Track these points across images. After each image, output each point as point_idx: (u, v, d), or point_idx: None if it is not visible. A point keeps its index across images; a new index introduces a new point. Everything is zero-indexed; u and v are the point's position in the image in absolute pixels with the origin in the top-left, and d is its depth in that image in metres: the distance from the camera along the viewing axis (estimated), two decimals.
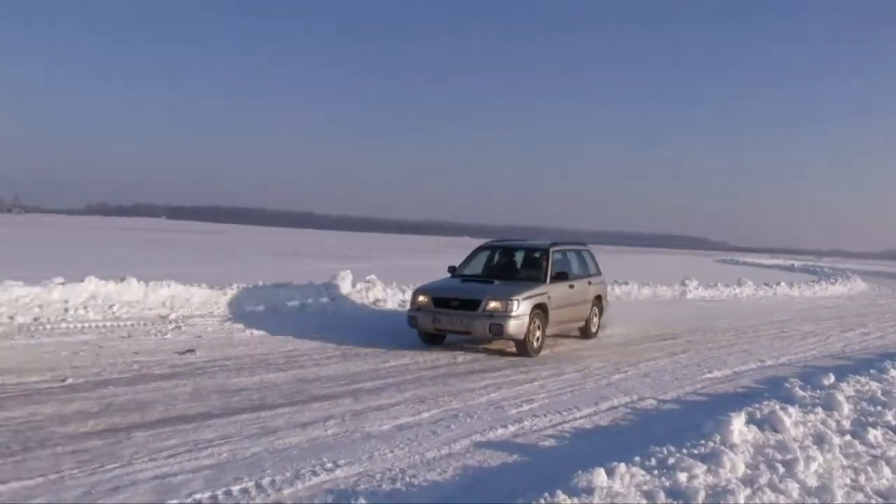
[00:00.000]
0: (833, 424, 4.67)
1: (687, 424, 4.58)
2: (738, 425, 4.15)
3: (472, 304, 7.34)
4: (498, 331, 7.31)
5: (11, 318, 7.56)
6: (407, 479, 3.68)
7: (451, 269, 8.42)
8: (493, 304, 7.34)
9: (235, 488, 3.47)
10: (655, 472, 3.51)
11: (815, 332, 10.90)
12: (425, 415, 4.94)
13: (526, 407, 5.28)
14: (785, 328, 11.17)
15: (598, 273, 9.32)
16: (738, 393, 6.04)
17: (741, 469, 3.56)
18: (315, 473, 3.70)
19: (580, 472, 3.36)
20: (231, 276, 11.87)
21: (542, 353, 7.74)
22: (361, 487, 3.52)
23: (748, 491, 3.30)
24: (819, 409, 4.94)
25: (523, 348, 7.46)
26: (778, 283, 20.27)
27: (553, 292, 7.92)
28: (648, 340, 9.01)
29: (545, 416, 5.04)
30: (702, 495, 3.18)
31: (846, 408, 4.99)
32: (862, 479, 3.72)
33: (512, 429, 4.68)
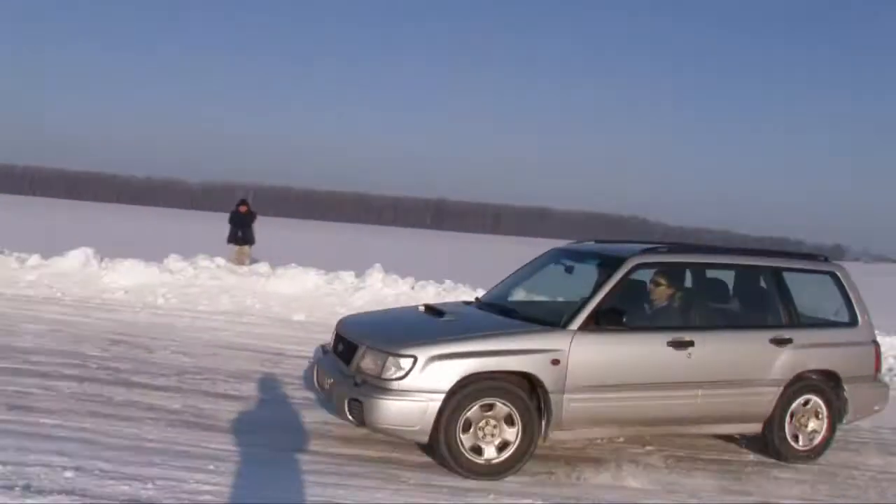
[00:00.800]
0: None
1: None
2: None
3: (350, 352, 3.83)
4: (357, 413, 3.58)
5: None
6: None
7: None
8: (366, 359, 3.67)
9: None
10: None
11: None
12: None
13: None
14: None
15: (825, 324, 4.60)
16: None
17: None
18: None
19: None
20: None
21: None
22: None
23: None
24: None
25: (444, 460, 3.59)
26: None
27: (579, 351, 3.73)
28: None
29: None
30: None
31: None
32: None
33: None
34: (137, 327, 6.51)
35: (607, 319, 3.65)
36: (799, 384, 4.20)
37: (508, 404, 3.45)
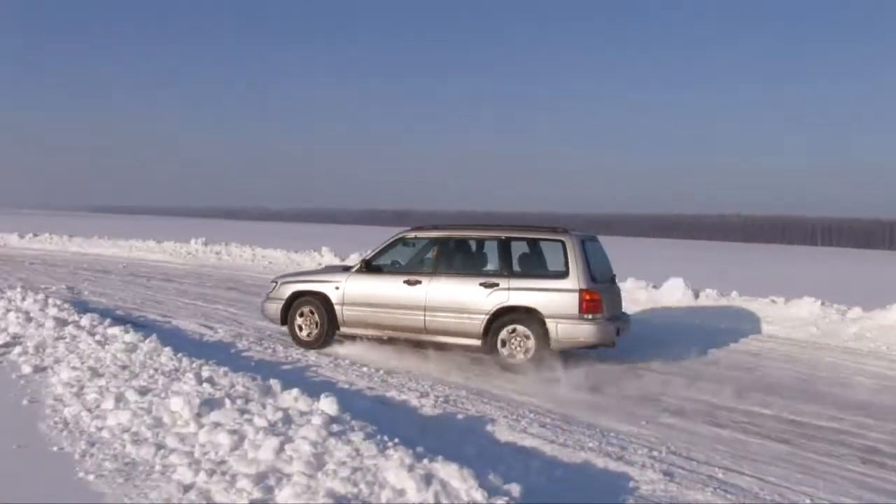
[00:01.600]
0: None
1: None
2: None
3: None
4: (262, 309, 8.37)
5: None
6: None
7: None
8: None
9: None
10: None
11: None
12: None
13: None
14: None
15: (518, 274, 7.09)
16: None
17: None
18: None
19: None
20: None
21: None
22: None
23: None
24: None
25: (291, 334, 8.00)
26: None
27: (349, 283, 7.72)
28: None
29: None
30: None
31: None
32: None
33: None
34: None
35: (369, 267, 7.56)
36: (505, 316, 6.97)
37: (314, 308, 7.53)
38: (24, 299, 9.56)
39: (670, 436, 5.22)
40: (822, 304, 10.21)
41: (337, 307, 7.72)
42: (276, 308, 8.09)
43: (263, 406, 4.81)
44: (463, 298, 7.23)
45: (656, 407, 6.00)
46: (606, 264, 7.78)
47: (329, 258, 17.44)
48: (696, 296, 11.66)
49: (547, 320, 6.93)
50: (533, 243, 7.56)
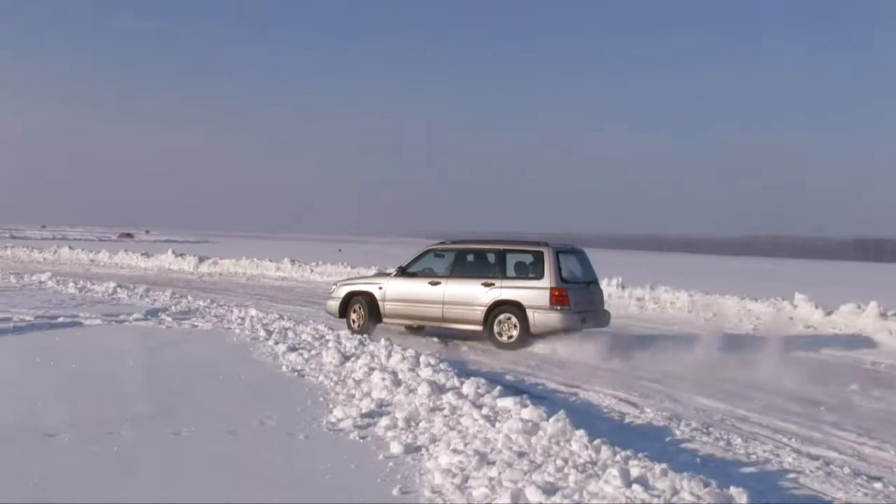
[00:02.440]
0: None
1: None
2: None
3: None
4: (325, 306, 17.17)
5: None
6: None
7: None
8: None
9: None
10: None
11: None
12: None
13: None
14: None
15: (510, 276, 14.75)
16: None
17: None
18: None
19: None
20: None
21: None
22: None
23: None
24: None
25: (347, 324, 16.11)
26: None
27: (390, 284, 15.78)
28: None
29: None
30: None
31: None
32: None
33: None
34: None
35: (404, 273, 15.72)
36: (499, 307, 14.26)
37: (361, 304, 16.02)
38: (390, 355, 10.77)
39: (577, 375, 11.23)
40: None
41: (380, 303, 15.76)
42: (335, 305, 16.44)
43: None
44: (469, 295, 14.64)
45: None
46: (584, 271, 15.22)
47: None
48: None
49: (527, 310, 14.07)
50: (521, 254, 14.86)
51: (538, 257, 14.57)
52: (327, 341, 12.73)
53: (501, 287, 14.55)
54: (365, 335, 13.72)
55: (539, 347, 13.90)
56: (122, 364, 10.39)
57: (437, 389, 8.58)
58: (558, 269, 14.51)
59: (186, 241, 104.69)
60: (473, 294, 14.69)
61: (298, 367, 10.61)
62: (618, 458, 6.11)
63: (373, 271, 27.52)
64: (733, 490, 5.46)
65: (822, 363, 13.50)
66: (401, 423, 7.47)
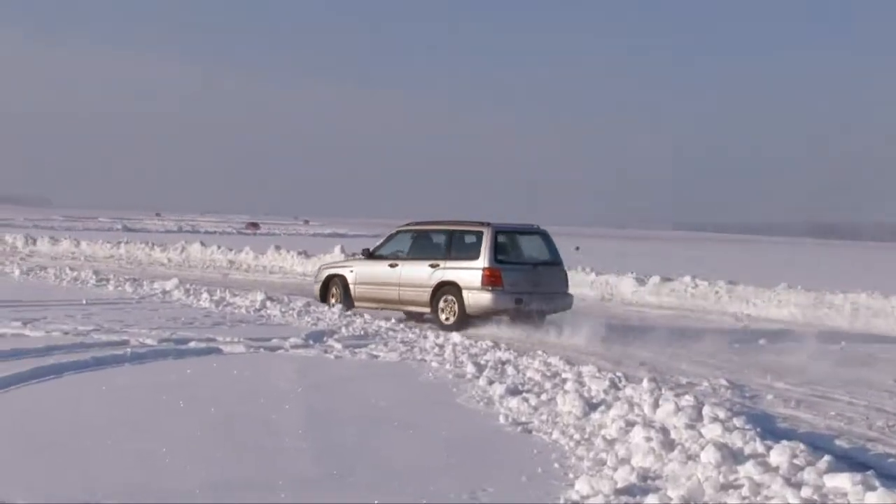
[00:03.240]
0: None
1: None
2: None
3: None
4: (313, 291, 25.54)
5: None
6: None
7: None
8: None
9: None
10: None
11: None
12: None
13: None
14: None
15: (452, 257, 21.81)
16: None
17: None
18: None
19: None
20: None
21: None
22: None
23: None
24: None
25: (324, 302, 23.88)
26: None
27: (358, 266, 23.72)
28: None
29: None
30: None
31: None
32: None
33: None
34: None
35: (371, 256, 24.12)
36: (442, 288, 21.68)
37: (337, 287, 24.47)
38: (657, 404, 10.68)
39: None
40: None
41: (351, 287, 23.23)
42: (317, 289, 24.21)
43: None
44: (418, 276, 21.67)
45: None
46: (539, 252, 22.08)
47: None
48: None
49: (463, 291, 20.72)
50: (465, 234, 21.61)
51: (478, 237, 21.26)
52: (564, 381, 12.80)
53: (444, 268, 21.52)
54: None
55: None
56: (277, 408, 10.79)
57: (731, 456, 8.37)
58: (494, 249, 21.04)
59: (359, 234, 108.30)
60: (421, 275, 21.88)
61: (523, 419, 10.67)
62: None
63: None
64: None
65: None
66: None
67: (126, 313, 19.90)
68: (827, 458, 8.44)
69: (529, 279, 20.80)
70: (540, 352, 16.17)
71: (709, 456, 8.35)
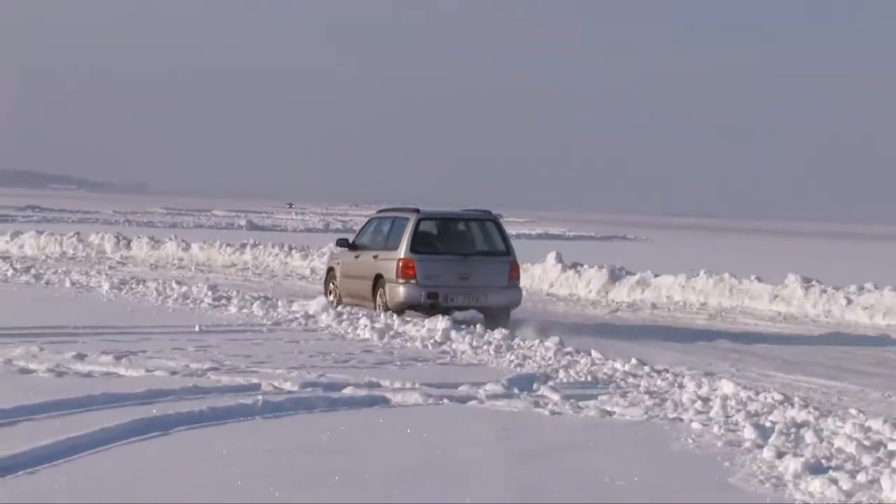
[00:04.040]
0: None
1: None
2: None
3: None
4: None
5: None
6: None
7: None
8: None
9: None
10: None
11: None
12: None
13: None
14: None
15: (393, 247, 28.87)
16: None
17: None
18: None
19: None
20: None
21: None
22: None
23: None
24: None
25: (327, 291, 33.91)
26: None
27: (342, 257, 32.70)
28: None
29: None
30: None
31: None
32: None
33: None
34: None
35: (350, 245, 33.74)
36: (378, 281, 30.63)
37: (334, 279, 34.94)
38: None
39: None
40: None
41: (337, 280, 32.48)
42: (324, 282, 36.03)
43: None
44: (365, 268, 30.74)
45: None
46: (476, 241, 29.82)
47: None
48: None
49: (385, 283, 29.42)
50: (398, 221, 30.53)
51: (405, 224, 27.78)
52: (891, 454, 12.65)
53: (380, 259, 28.17)
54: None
55: None
56: (469, 487, 10.85)
57: None
58: (413, 237, 27.14)
59: (580, 236, 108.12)
60: (366, 267, 29.04)
61: None
62: None
63: None
64: None
65: None
66: None
67: (255, 346, 20.67)
68: None
69: (455, 271, 26.43)
70: (853, 410, 15.88)
71: None
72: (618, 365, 19.95)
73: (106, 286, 33.09)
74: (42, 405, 13.83)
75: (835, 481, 11.30)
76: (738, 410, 15.49)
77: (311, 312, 26.51)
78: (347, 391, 15.94)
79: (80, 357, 18.08)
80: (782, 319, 34.60)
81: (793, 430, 14.12)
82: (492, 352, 21.17)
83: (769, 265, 53.06)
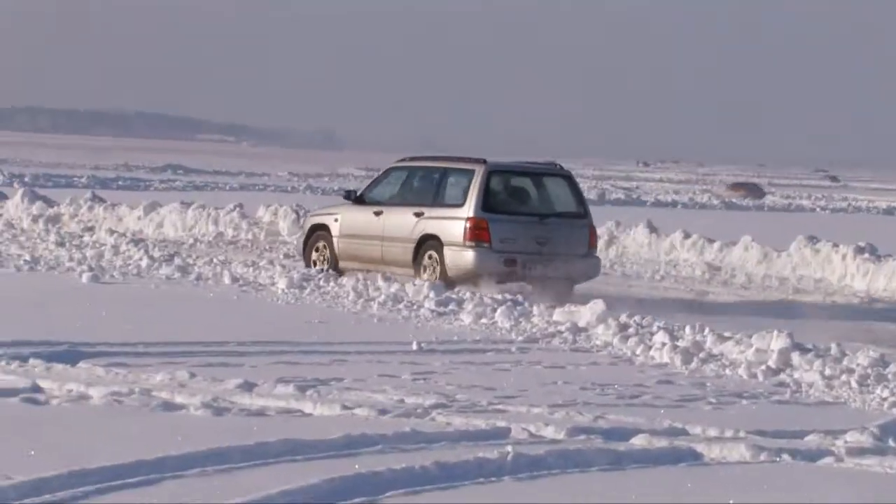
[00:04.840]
0: None
1: None
2: None
3: None
4: None
5: None
6: None
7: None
8: None
9: None
10: None
11: None
12: None
13: None
14: None
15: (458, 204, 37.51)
16: None
17: None
18: None
19: None
20: None
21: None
22: None
23: None
24: None
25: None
26: None
27: (346, 213, 42.85)
28: None
29: None
30: None
31: None
32: None
33: None
34: None
35: (357, 199, 45.04)
36: (426, 243, 40.63)
37: (326, 239, 45.97)
38: None
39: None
40: None
41: (334, 240, 42.26)
42: (300, 243, 47.97)
43: None
44: (401, 227, 40.38)
45: None
46: (552, 200, 38.07)
47: None
48: None
49: (444, 247, 38.79)
50: (454, 174, 41.04)
51: (469, 179, 31.21)
52: None
53: (428, 217, 31.89)
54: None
55: None
56: None
57: None
58: (485, 193, 30.72)
59: None
60: (404, 227, 32.68)
61: None
62: None
63: None
64: None
65: None
66: None
67: (500, 372, 20.81)
68: None
69: (532, 235, 30.55)
70: None
71: None
72: None
73: (282, 283, 33.92)
74: (195, 456, 13.87)
75: None
76: None
77: (581, 324, 26.23)
78: (638, 441, 15.80)
79: (248, 387, 18.23)
80: None
81: None
82: (853, 385, 20.63)
83: None
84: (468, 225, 27.57)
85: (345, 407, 16.87)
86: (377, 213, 30.69)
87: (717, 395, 19.13)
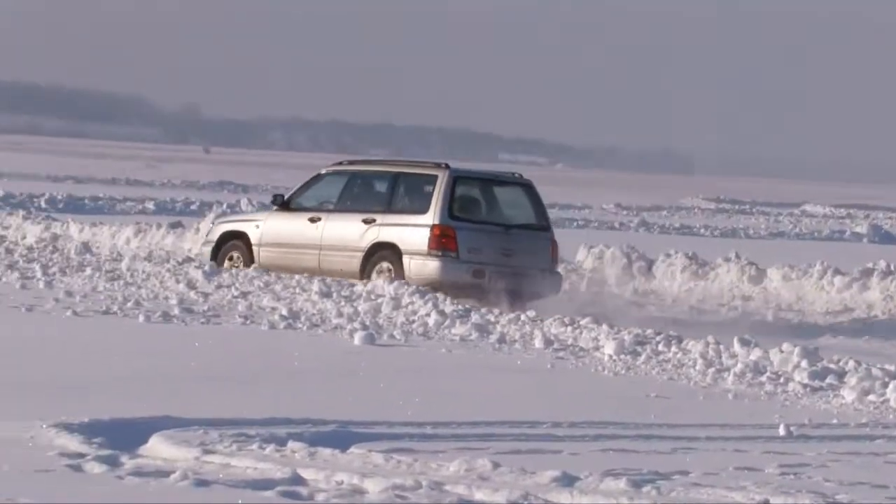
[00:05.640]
0: None
1: None
2: None
3: None
4: None
5: None
6: None
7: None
8: None
9: None
10: None
11: None
12: None
13: None
14: None
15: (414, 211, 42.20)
16: None
17: None
18: None
19: None
20: None
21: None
22: None
23: None
24: None
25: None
26: None
27: (270, 220, 50.00)
28: None
29: None
30: None
31: None
32: None
33: None
34: None
35: (285, 206, 51.80)
36: (377, 252, 47.67)
37: (243, 251, 54.38)
38: None
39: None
40: None
41: (255, 248, 51.55)
42: (208, 252, 57.22)
43: None
44: (347, 236, 47.24)
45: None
46: (515, 210, 42.86)
47: None
48: None
49: (403, 256, 44.92)
50: (414, 179, 47.29)
51: (431, 185, 35.47)
52: None
53: (382, 224, 36.59)
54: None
55: None
56: None
57: None
58: (449, 200, 34.27)
59: None
60: (350, 235, 37.61)
61: None
62: None
63: None
64: None
65: None
66: None
67: (892, 465, 18.73)
68: None
69: (498, 246, 30.38)
70: None
71: None
72: None
73: (610, 348, 31.16)
74: None
75: None
76: None
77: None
78: None
79: (568, 480, 15.59)
80: None
81: None
82: None
83: None
84: (433, 233, 28.75)
85: None
86: (313, 220, 31.82)
87: None
